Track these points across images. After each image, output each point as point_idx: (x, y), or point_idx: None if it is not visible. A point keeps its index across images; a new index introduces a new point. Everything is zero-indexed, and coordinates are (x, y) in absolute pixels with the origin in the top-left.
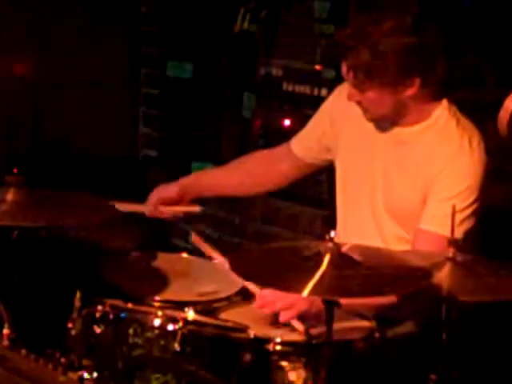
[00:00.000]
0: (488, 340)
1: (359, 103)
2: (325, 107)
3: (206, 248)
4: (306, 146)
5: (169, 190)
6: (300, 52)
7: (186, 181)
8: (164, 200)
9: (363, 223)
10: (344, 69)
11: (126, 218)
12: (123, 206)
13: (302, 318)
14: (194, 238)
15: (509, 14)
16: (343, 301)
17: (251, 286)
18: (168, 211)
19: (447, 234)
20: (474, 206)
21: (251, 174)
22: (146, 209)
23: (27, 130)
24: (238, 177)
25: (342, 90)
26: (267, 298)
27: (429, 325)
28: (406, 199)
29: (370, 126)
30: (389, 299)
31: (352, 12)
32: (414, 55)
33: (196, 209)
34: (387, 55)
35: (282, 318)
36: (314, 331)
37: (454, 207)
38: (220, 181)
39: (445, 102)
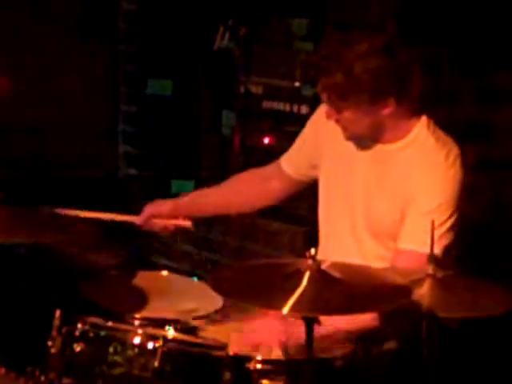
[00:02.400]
0: (469, 356)
1: (337, 122)
2: (309, 125)
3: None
4: (294, 163)
5: (162, 206)
6: (279, 69)
7: (181, 200)
8: (157, 215)
9: (343, 240)
10: (319, 89)
11: (107, 235)
12: (114, 216)
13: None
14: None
15: (487, 27)
16: (326, 328)
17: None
18: (159, 224)
19: (426, 250)
20: (452, 221)
21: (244, 192)
22: (137, 220)
23: (4, 149)
24: (230, 196)
25: (325, 107)
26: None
27: (409, 341)
28: (385, 217)
29: (351, 144)
30: (369, 321)
31: (329, 29)
32: (388, 76)
33: (188, 224)
34: (360, 76)
35: (263, 351)
36: (293, 349)
37: (433, 223)
38: (214, 201)
39: (424, 119)
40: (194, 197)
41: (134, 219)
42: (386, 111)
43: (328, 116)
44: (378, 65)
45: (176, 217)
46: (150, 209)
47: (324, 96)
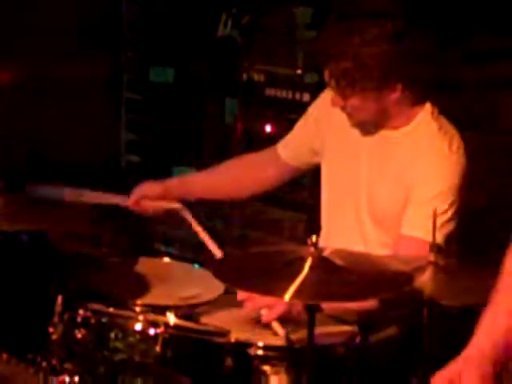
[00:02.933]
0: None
1: (343, 109)
2: (310, 111)
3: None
4: (292, 150)
5: (152, 188)
6: (282, 57)
7: (171, 182)
8: (146, 197)
9: (346, 227)
10: (326, 76)
11: (110, 221)
12: (103, 198)
13: (283, 322)
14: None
15: (493, 20)
16: (325, 305)
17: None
18: (148, 206)
19: (428, 238)
20: (453, 209)
21: (237, 178)
22: (126, 201)
23: (7, 136)
24: (223, 181)
25: (328, 94)
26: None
27: (410, 329)
28: (388, 204)
29: (355, 130)
30: (370, 303)
31: (333, 17)
32: (396, 62)
33: (177, 206)
34: (369, 63)
35: (265, 318)
36: (294, 336)
37: (435, 211)
38: (205, 184)
39: (428, 106)
40: (183, 179)
41: (122, 200)
42: (393, 97)
43: (334, 103)
44: (386, 51)
45: (165, 199)
46: (139, 190)
47: (332, 82)
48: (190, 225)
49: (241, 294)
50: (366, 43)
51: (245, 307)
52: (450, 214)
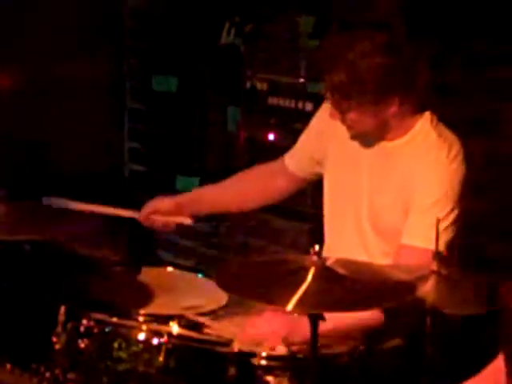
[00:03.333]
0: (473, 353)
1: (342, 121)
2: (313, 121)
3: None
4: (298, 160)
5: (165, 203)
6: (285, 66)
7: (182, 197)
8: (157, 212)
9: (348, 237)
10: (324, 90)
11: (113, 230)
12: (115, 212)
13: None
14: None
15: (492, 22)
16: (330, 326)
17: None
18: (160, 220)
19: (429, 246)
20: (453, 216)
21: (248, 190)
22: (138, 215)
23: (9, 145)
24: (234, 193)
25: (328, 106)
26: (247, 333)
27: (414, 338)
28: (389, 213)
29: (356, 142)
30: (374, 319)
31: (335, 27)
32: (391, 75)
33: (188, 221)
34: (363, 76)
35: (267, 347)
36: (296, 347)
37: (437, 220)
38: (216, 198)
39: (427, 114)
40: (195, 194)
41: (135, 215)
42: (391, 110)
43: (332, 116)
44: (381, 64)
45: (177, 214)
46: (150, 205)
47: (328, 96)
48: None
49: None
50: (360, 56)
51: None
52: (449, 220)
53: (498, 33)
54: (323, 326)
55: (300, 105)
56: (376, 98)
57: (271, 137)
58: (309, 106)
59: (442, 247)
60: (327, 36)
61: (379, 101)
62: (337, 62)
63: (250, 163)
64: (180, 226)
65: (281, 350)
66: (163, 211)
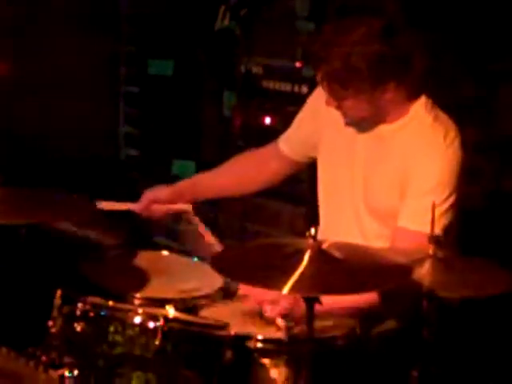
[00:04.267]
0: (469, 336)
1: (337, 109)
2: (307, 105)
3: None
4: (292, 144)
5: (161, 192)
6: (280, 50)
7: (180, 185)
8: (156, 201)
9: (344, 220)
10: (318, 78)
11: (108, 216)
12: (113, 205)
13: (284, 317)
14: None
15: (487, 15)
16: (325, 305)
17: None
18: (159, 210)
19: (425, 230)
20: (451, 201)
21: (243, 175)
22: (136, 207)
23: (6, 129)
24: (230, 179)
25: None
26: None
27: (410, 321)
28: (384, 197)
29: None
30: (370, 302)
31: (331, 10)
32: (387, 61)
33: (187, 207)
34: (359, 64)
35: (269, 313)
36: (295, 329)
37: (433, 205)
38: (213, 184)
39: (423, 98)
40: (192, 181)
41: (133, 206)
42: (387, 96)
43: (328, 103)
44: (376, 51)
45: (175, 202)
46: (148, 195)
47: (324, 84)
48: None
49: (243, 288)
50: (356, 44)
51: (248, 301)
52: (447, 205)
53: (493, 20)
54: (318, 307)
55: (296, 88)
56: (372, 85)
57: (267, 121)
58: (304, 90)
59: (439, 231)
60: (329, 14)
61: (375, 88)
62: (332, 50)
63: (245, 147)
64: (180, 213)
65: (281, 323)
66: (161, 200)
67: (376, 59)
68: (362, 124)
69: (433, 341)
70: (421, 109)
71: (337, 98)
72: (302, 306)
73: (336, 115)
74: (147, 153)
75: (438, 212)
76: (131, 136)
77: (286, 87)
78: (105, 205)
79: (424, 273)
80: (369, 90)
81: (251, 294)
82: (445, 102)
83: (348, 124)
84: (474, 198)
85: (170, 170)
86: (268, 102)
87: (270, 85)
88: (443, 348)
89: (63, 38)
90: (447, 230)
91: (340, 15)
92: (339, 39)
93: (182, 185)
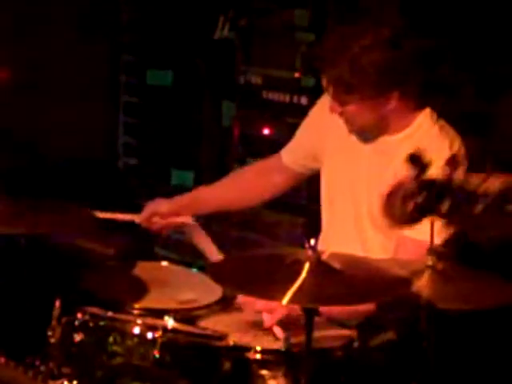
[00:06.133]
0: (469, 349)
1: (341, 115)
2: (311, 116)
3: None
4: (295, 156)
5: (164, 205)
6: (279, 60)
7: (182, 200)
8: (157, 214)
9: (346, 231)
10: (324, 82)
11: (108, 226)
12: (116, 216)
13: (282, 325)
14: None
15: (487, 23)
16: (324, 311)
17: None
18: (160, 222)
19: (427, 239)
20: None
21: (246, 188)
22: (137, 218)
23: (4, 136)
24: (233, 193)
25: (327, 99)
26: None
27: (408, 332)
28: None
29: (354, 136)
30: (367, 311)
31: (331, 21)
32: (393, 69)
33: (189, 221)
34: (366, 69)
35: (267, 322)
36: (293, 340)
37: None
38: (215, 198)
39: (427, 110)
40: (193, 195)
41: (135, 218)
42: (390, 105)
43: (331, 110)
44: (383, 58)
45: (176, 216)
46: (150, 208)
47: (329, 89)
48: (200, 241)
49: (240, 298)
50: (364, 49)
51: (245, 311)
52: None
53: (494, 29)
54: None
55: (295, 99)
56: (377, 91)
57: (266, 131)
58: (304, 100)
59: (440, 242)
60: (329, 29)
61: (379, 95)
62: (340, 54)
63: (244, 157)
64: (182, 226)
65: (278, 332)
66: (162, 214)
67: (383, 66)
68: (365, 135)
69: (432, 353)
70: (425, 120)
71: (341, 102)
72: (298, 311)
73: (339, 127)
74: (146, 162)
75: (440, 222)
76: (130, 145)
77: (285, 98)
78: (105, 215)
79: (423, 284)
80: (373, 97)
81: (248, 303)
82: (444, 112)
83: (351, 132)
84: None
85: (168, 179)
86: (267, 113)
87: (270, 95)
88: (442, 360)
89: (63, 47)
90: (448, 240)
91: (344, 23)
92: (347, 44)
93: (184, 199)
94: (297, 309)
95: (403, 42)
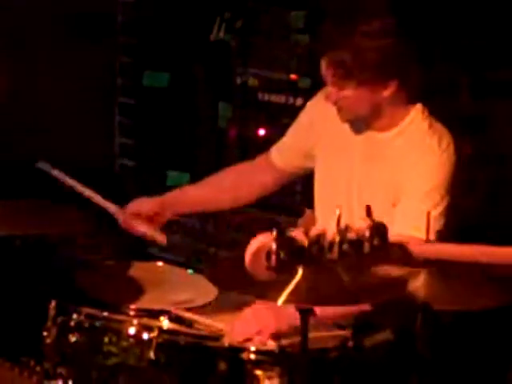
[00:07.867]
0: (464, 349)
1: (336, 103)
2: (303, 116)
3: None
4: (286, 155)
5: (147, 205)
6: (276, 62)
7: (166, 197)
8: (140, 214)
9: None
10: (323, 65)
11: (103, 226)
12: (100, 201)
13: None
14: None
15: (484, 24)
16: (318, 312)
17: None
18: (138, 228)
19: (419, 235)
20: (444, 206)
21: (231, 188)
22: (118, 214)
23: (2, 141)
24: (218, 192)
25: (319, 98)
26: (237, 330)
27: (404, 333)
28: (380, 206)
29: (347, 133)
30: (360, 307)
31: (327, 22)
32: (394, 56)
33: (162, 240)
34: (368, 54)
35: (261, 343)
36: (286, 341)
37: (428, 213)
38: (200, 197)
39: (419, 106)
40: (177, 193)
41: (117, 212)
42: (387, 93)
43: (327, 97)
44: (386, 44)
45: (160, 214)
46: (132, 206)
47: (328, 72)
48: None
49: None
50: (368, 34)
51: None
52: (440, 210)
53: (490, 31)
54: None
55: (291, 100)
56: (376, 76)
57: (262, 132)
58: (300, 102)
59: (433, 236)
60: (325, 26)
61: (379, 80)
62: (343, 38)
63: (240, 159)
64: (154, 242)
65: (271, 344)
66: (146, 212)
67: (385, 51)
68: (359, 130)
69: (427, 353)
70: (417, 116)
71: (338, 86)
72: (288, 317)
73: (333, 126)
74: (142, 164)
75: (431, 216)
76: (126, 147)
77: (281, 99)
78: (91, 195)
79: (418, 285)
80: (371, 82)
81: (234, 335)
82: (441, 114)
83: (344, 121)
84: (469, 211)
85: (164, 181)
86: (263, 114)
87: (266, 97)
88: (438, 361)
89: (59, 49)
90: (440, 235)
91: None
92: (351, 28)
93: (167, 197)
94: (283, 321)
95: (405, 35)
